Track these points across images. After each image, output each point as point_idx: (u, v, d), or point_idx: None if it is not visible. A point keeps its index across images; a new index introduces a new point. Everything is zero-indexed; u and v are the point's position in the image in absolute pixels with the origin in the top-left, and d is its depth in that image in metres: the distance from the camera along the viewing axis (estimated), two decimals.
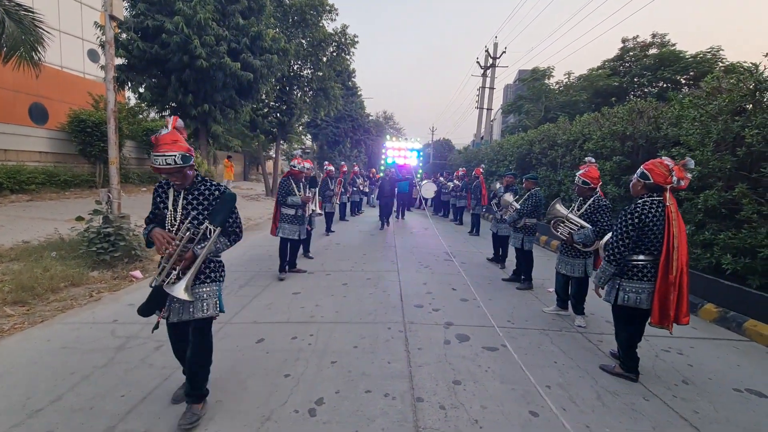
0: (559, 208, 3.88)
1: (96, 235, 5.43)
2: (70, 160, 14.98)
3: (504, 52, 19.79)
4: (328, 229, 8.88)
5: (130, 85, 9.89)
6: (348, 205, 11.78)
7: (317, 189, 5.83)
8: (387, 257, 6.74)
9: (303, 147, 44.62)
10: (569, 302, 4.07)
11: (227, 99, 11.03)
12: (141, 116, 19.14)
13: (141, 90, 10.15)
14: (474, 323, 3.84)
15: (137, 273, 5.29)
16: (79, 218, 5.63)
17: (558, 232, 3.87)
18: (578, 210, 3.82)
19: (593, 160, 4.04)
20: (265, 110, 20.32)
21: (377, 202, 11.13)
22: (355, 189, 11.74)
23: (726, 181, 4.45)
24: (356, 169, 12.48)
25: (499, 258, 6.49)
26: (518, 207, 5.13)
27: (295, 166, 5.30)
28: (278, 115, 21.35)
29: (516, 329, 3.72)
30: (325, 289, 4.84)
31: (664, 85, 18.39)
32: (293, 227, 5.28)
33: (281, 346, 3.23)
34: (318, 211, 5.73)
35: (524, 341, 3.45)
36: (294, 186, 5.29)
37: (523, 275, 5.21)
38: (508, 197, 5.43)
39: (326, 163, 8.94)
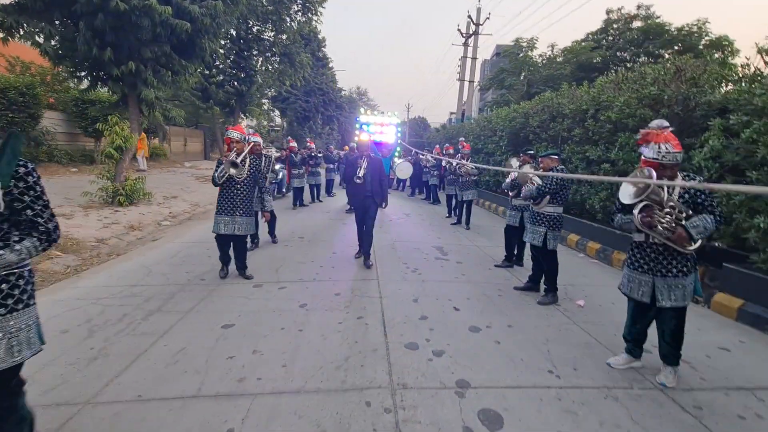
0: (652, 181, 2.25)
1: None
2: None
3: (488, 17, 18.19)
4: (271, 233, 5.78)
5: (22, 32, 7.52)
6: (306, 188, 9.55)
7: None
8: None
9: (271, 124, 41.31)
10: (660, 352, 2.56)
11: (161, 56, 8.84)
12: (72, 84, 16.22)
13: (39, 40, 7.78)
14: (501, 380, 2.47)
15: None
16: None
17: (648, 221, 2.31)
18: (672, 193, 2.36)
19: (665, 123, 2.61)
20: (220, 77, 17.76)
21: (343, 186, 9.05)
22: (295, 172, 8.99)
23: None
24: (293, 144, 9.28)
25: (512, 258, 5.15)
26: (539, 182, 3.81)
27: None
28: (235, 83, 18.82)
29: (566, 389, 2.39)
30: (272, 316, 3.31)
31: (648, 60, 17.68)
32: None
33: None
34: None
35: (590, 418, 2.12)
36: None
37: (546, 283, 3.91)
38: (528, 169, 4.19)
39: (288, 138, 6.64)
